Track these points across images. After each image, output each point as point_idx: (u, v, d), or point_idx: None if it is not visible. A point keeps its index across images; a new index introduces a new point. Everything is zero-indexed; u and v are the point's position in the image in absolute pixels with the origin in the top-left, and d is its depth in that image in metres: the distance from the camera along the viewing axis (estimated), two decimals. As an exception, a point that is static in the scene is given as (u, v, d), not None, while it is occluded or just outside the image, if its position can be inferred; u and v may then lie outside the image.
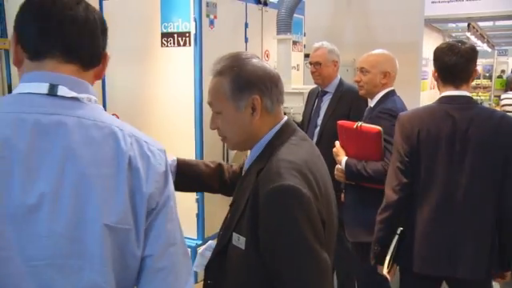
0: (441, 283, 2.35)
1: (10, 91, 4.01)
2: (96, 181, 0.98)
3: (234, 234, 1.37)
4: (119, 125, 1.07)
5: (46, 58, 1.05)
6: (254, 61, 1.41)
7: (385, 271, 2.29)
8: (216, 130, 1.50)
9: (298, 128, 1.48)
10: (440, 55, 2.21)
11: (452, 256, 2.15)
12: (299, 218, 1.25)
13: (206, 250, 1.57)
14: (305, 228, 1.25)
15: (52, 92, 1.02)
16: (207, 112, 3.49)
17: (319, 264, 1.28)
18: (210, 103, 1.46)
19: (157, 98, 3.47)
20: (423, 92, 8.34)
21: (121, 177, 1.00)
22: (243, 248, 1.33)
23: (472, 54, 2.16)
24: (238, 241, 1.35)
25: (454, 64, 2.15)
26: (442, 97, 2.21)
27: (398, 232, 2.27)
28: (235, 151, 3.56)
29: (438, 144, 2.14)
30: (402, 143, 2.18)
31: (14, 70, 3.93)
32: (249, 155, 1.48)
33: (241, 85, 1.37)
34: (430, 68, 9.11)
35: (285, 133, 1.42)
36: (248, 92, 1.37)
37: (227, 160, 3.59)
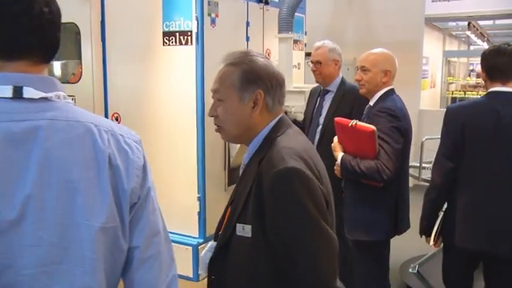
0: (478, 262, 2.58)
1: None
2: (79, 184, 0.96)
3: (237, 224, 1.39)
4: (94, 120, 1.03)
5: (22, 59, 0.97)
6: (265, 60, 1.49)
7: (431, 243, 2.56)
8: (214, 124, 1.53)
9: (293, 124, 1.54)
10: (488, 57, 2.45)
11: (491, 234, 2.34)
12: (305, 198, 1.29)
13: (208, 251, 1.57)
14: (311, 208, 1.29)
15: (17, 95, 0.95)
16: (209, 110, 3.51)
17: (328, 240, 1.32)
18: (215, 90, 1.49)
19: (158, 97, 3.48)
20: (423, 91, 8.34)
21: (103, 177, 0.99)
22: (249, 236, 1.35)
23: None
24: (243, 230, 1.37)
25: (503, 64, 2.38)
26: (490, 92, 2.42)
27: (444, 210, 2.51)
28: (237, 149, 3.58)
29: (482, 135, 2.33)
30: (448, 133, 2.42)
31: None
32: (247, 151, 1.52)
33: (250, 78, 1.43)
34: (430, 67, 9.12)
35: (281, 127, 1.47)
36: (255, 86, 1.43)
37: (228, 158, 3.61)
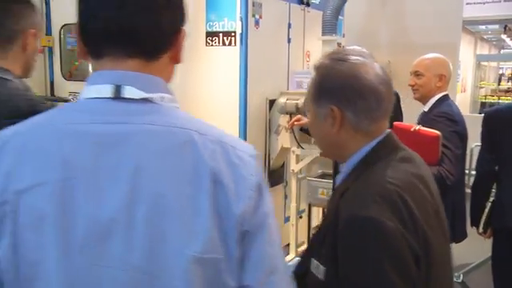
0: None
1: (52, 89, 4.03)
2: (174, 202, 0.81)
3: (312, 259, 1.22)
4: (200, 127, 0.87)
5: (105, 56, 0.87)
6: (347, 64, 1.22)
7: (480, 230, 2.83)
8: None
9: (402, 146, 1.29)
10: None
11: None
12: (379, 257, 1.08)
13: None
14: (387, 268, 1.07)
15: (118, 94, 0.85)
16: (251, 112, 3.48)
17: None
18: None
19: (201, 98, 3.46)
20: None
21: (203, 195, 0.82)
22: (322, 278, 1.18)
23: None
24: (317, 269, 1.20)
25: None
26: None
27: (491, 200, 2.82)
28: (277, 151, 3.53)
29: None
30: (487, 131, 2.78)
31: (56, 67, 3.96)
32: (342, 171, 1.31)
33: (320, 91, 1.24)
34: (461, 71, 8.95)
35: (380, 151, 1.24)
36: (325, 101, 1.22)
37: (269, 160, 3.57)
